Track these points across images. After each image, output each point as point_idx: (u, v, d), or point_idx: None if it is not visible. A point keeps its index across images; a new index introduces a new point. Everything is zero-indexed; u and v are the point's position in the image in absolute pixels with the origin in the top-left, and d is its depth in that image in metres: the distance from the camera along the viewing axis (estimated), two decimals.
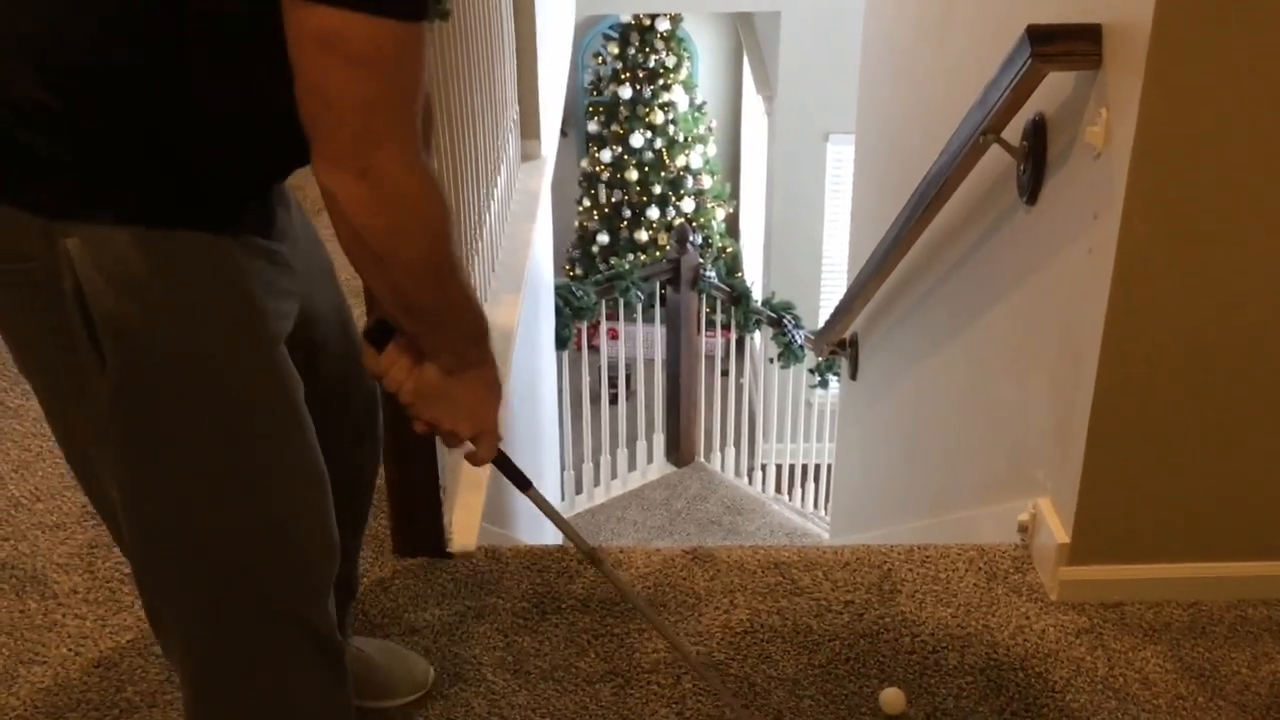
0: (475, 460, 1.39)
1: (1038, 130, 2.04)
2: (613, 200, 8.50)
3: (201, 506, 1.19)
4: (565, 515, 5.18)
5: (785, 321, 5.59)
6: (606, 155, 8.45)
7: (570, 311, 5.00)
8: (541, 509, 1.54)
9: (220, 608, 1.26)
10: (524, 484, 1.49)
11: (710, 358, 5.93)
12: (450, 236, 1.14)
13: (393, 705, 1.79)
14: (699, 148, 8.50)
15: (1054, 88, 1.95)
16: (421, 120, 1.10)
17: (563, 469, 5.19)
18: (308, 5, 0.99)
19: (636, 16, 8.23)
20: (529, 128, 3.69)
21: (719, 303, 5.71)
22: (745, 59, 8.62)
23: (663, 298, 5.58)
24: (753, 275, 8.43)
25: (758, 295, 6.19)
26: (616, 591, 1.72)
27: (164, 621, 1.30)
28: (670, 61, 8.36)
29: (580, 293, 5.08)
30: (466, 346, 1.26)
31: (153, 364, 1.13)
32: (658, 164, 8.39)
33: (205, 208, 1.12)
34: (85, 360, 1.12)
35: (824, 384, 5.62)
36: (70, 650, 1.89)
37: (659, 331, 5.65)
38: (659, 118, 8.33)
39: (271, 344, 1.20)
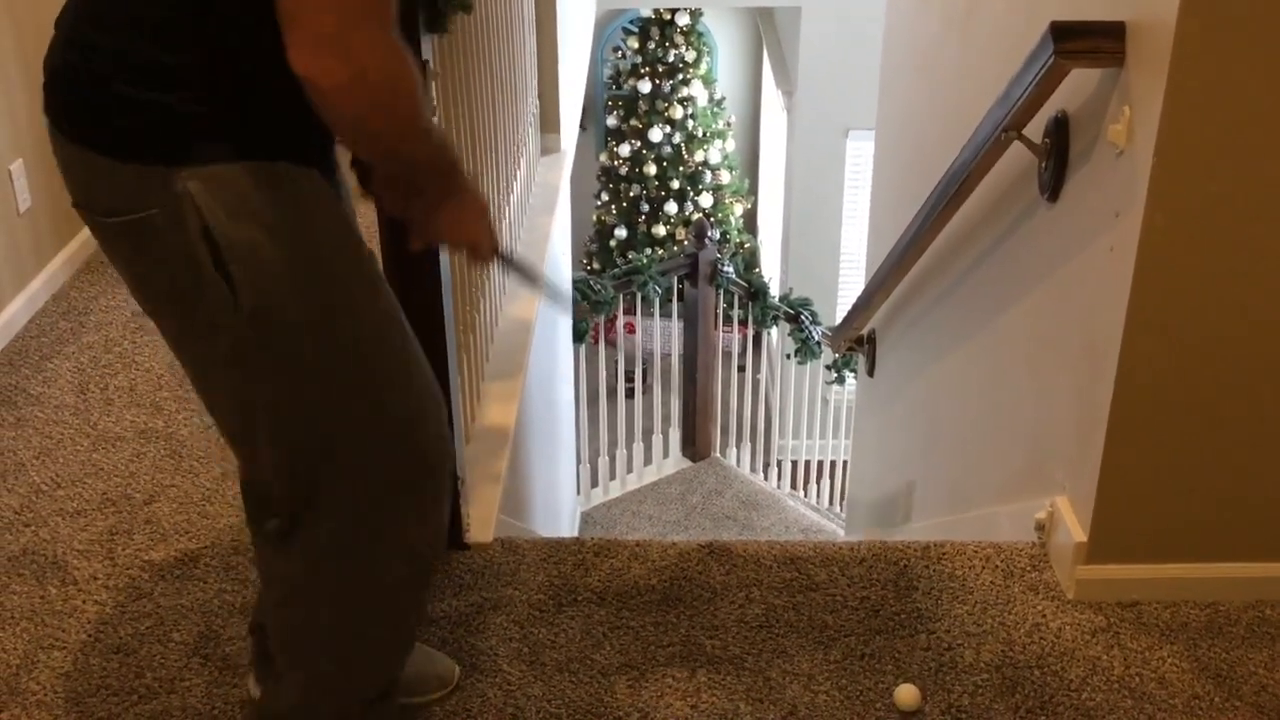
0: (474, 264, 1.60)
1: (1060, 128, 2.03)
2: (631, 195, 8.50)
3: (348, 393, 1.33)
4: (581, 508, 5.19)
5: (803, 317, 5.58)
6: (625, 150, 8.46)
7: (588, 305, 5.01)
8: (544, 294, 1.70)
9: (378, 481, 1.40)
10: (534, 278, 1.66)
11: (727, 353, 5.93)
12: (419, 98, 1.22)
13: (421, 702, 1.79)
14: (718, 143, 8.50)
15: (1077, 85, 1.94)
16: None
17: (579, 463, 5.20)
18: None
19: (656, 11, 8.23)
20: (549, 121, 3.70)
21: (736, 298, 5.70)
22: (765, 54, 8.61)
23: (680, 293, 5.58)
24: (770, 271, 8.42)
25: (775, 291, 6.19)
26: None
27: (320, 512, 1.40)
28: (690, 56, 8.35)
29: (598, 287, 5.09)
30: (447, 181, 1.37)
31: (279, 279, 1.24)
32: (676, 159, 8.39)
33: (296, 144, 1.25)
34: (214, 291, 1.23)
35: (841, 380, 5.61)
36: (90, 636, 1.91)
37: (676, 326, 5.65)
38: (678, 112, 8.33)
39: (371, 256, 1.36)
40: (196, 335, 1.32)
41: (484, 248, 1.47)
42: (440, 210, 1.39)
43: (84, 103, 1.22)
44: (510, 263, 1.58)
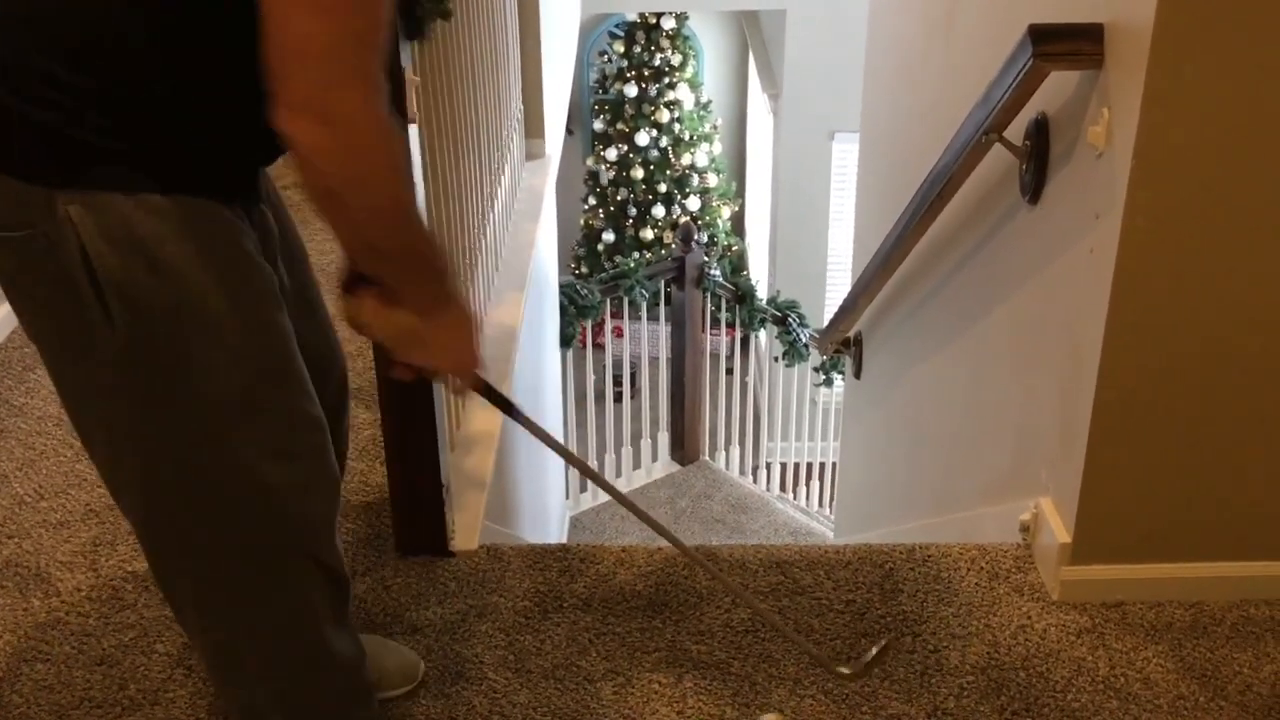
0: (457, 390, 1.44)
1: (1040, 129, 2.04)
2: (618, 198, 8.50)
3: (209, 453, 1.25)
4: (569, 513, 5.19)
5: (790, 320, 5.59)
6: (612, 154, 8.46)
7: (575, 310, 5.00)
8: (531, 431, 1.58)
9: (232, 551, 1.31)
10: (509, 408, 1.54)
11: (715, 356, 5.93)
12: (407, 178, 1.19)
13: (386, 698, 1.79)
14: (704, 146, 8.51)
15: (1056, 87, 1.95)
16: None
17: (567, 467, 5.20)
18: None
19: (642, 15, 8.24)
20: (533, 126, 3.70)
21: (724, 301, 5.71)
22: (751, 57, 8.62)
23: (668, 296, 5.58)
24: (758, 274, 8.43)
25: (762, 294, 6.19)
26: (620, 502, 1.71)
27: (173, 575, 1.35)
28: (676, 60, 8.36)
29: (585, 291, 5.09)
30: (432, 285, 1.30)
31: (158, 320, 1.18)
32: (663, 162, 8.40)
33: (199, 174, 1.18)
34: (93, 319, 1.17)
35: (829, 382, 5.61)
36: (73, 648, 1.90)
37: (664, 330, 5.65)
38: (664, 116, 8.34)
39: (268, 299, 1.26)
40: (71, 362, 1.24)
41: (468, 374, 1.39)
42: (425, 321, 1.31)
43: None
44: (494, 395, 1.48)
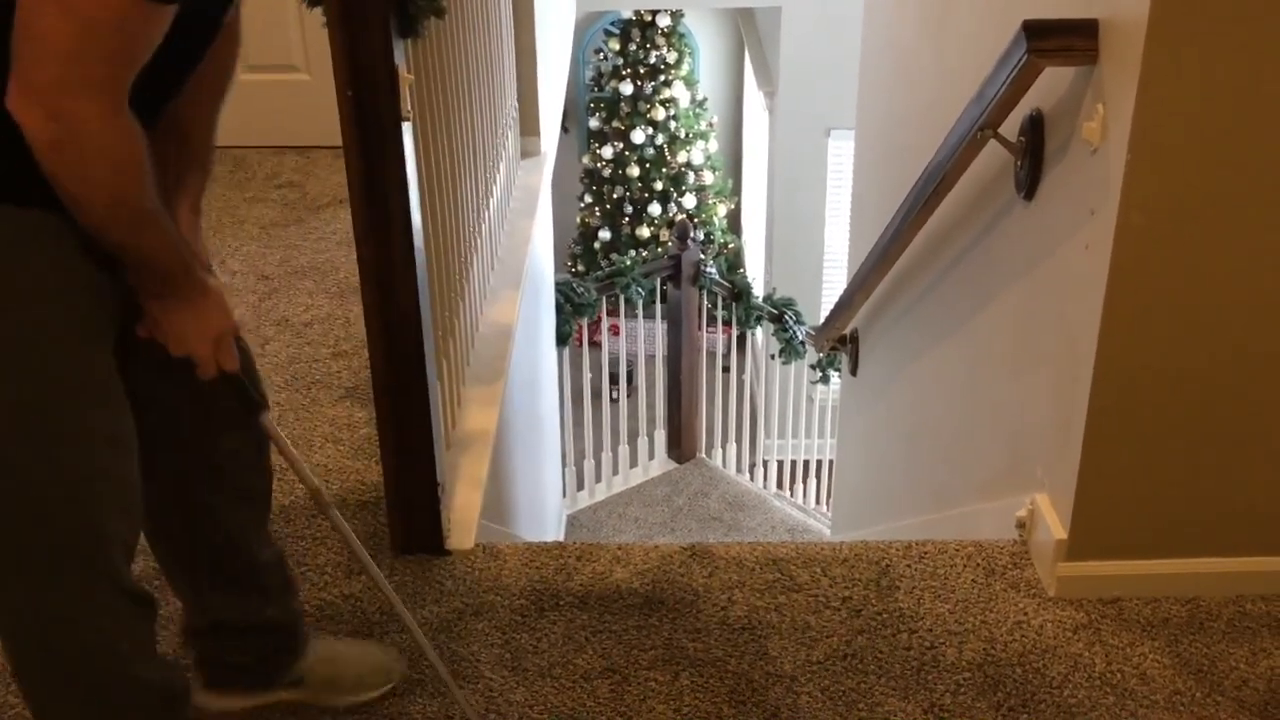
0: (201, 374, 1.43)
1: (1035, 125, 2.04)
2: (614, 196, 8.49)
3: (6, 450, 1.23)
4: (567, 512, 5.19)
5: (786, 317, 5.59)
6: (608, 151, 8.45)
7: (571, 308, 5.00)
8: (274, 440, 1.55)
9: (21, 560, 1.29)
10: (251, 406, 1.51)
11: (711, 354, 5.93)
12: (141, 188, 1.19)
13: (370, 699, 1.79)
14: (700, 144, 8.50)
15: (1051, 83, 1.94)
16: (195, 166, 1.25)
17: (564, 465, 5.20)
18: None
19: (638, 12, 8.23)
20: (528, 125, 3.69)
21: (720, 299, 5.70)
22: (746, 55, 8.61)
23: (664, 294, 5.58)
24: (754, 271, 8.43)
25: (759, 291, 6.19)
26: (348, 547, 1.69)
27: None
28: (671, 57, 8.36)
29: (581, 289, 5.08)
30: (162, 281, 1.32)
31: None
32: (659, 160, 8.39)
33: (8, 180, 1.18)
34: None
35: (825, 380, 5.61)
36: None
37: (660, 328, 5.65)
38: (660, 114, 8.33)
39: (71, 313, 1.25)
40: None
41: (204, 367, 1.40)
42: (157, 307, 1.33)
43: None
44: (239, 388, 1.47)
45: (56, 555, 1.30)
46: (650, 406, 5.66)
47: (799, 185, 7.17)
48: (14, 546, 1.29)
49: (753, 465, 6.09)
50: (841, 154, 6.95)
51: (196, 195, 1.46)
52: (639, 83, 8.34)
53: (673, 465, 5.76)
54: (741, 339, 6.89)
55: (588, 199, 8.64)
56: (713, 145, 8.68)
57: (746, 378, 6.25)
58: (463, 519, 2.17)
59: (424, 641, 1.73)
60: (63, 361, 1.26)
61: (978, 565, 2.10)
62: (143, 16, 1.12)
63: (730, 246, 8.67)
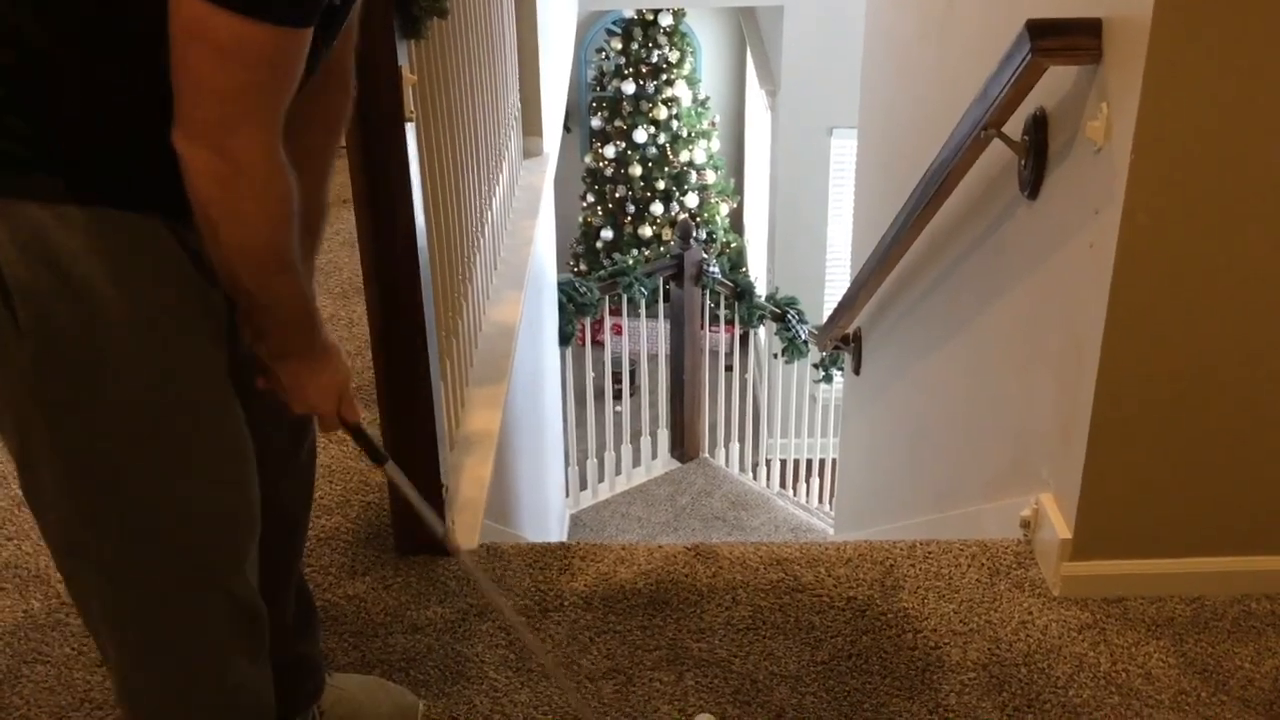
0: (322, 429, 1.43)
1: (1039, 125, 2.04)
2: (617, 196, 8.49)
3: (119, 475, 1.22)
4: (570, 511, 5.19)
5: (789, 317, 5.58)
6: (610, 151, 8.45)
7: (574, 307, 5.00)
8: (399, 486, 1.57)
9: (141, 576, 1.28)
10: (379, 459, 1.53)
11: (714, 353, 5.92)
12: (287, 234, 1.18)
13: None
14: (702, 143, 8.50)
15: (1055, 82, 1.94)
16: (302, 229, 1.19)
17: (567, 465, 5.19)
18: None
19: (639, 11, 8.23)
20: (531, 124, 3.69)
21: (723, 298, 5.70)
22: (748, 54, 8.61)
23: (666, 293, 5.58)
24: (757, 270, 8.42)
25: (761, 290, 6.19)
26: (483, 595, 1.73)
27: (86, 598, 1.32)
28: (673, 57, 8.36)
29: (584, 288, 5.08)
30: (288, 336, 1.30)
31: (68, 334, 1.16)
32: (661, 159, 8.39)
33: (120, 187, 1.16)
34: (4, 329, 1.15)
35: (828, 379, 5.61)
36: (73, 649, 1.90)
37: (663, 327, 5.65)
38: (662, 113, 8.33)
39: (192, 321, 1.23)
40: None
41: (326, 422, 1.39)
42: (278, 364, 1.32)
43: None
44: (365, 440, 1.48)
45: (188, 577, 1.30)
46: (653, 406, 5.66)
47: (801, 184, 7.17)
48: (148, 563, 1.28)
49: (756, 464, 6.08)
50: (844, 153, 6.94)
51: (312, 253, 1.44)
52: (641, 82, 8.34)
53: (676, 465, 5.76)
54: (744, 338, 6.89)
55: (590, 198, 8.64)
56: (715, 144, 8.68)
57: (749, 377, 6.24)
58: (467, 519, 2.17)
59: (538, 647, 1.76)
60: (203, 373, 1.25)
61: (982, 565, 2.10)
62: (292, 44, 1.10)
63: (733, 246, 8.67)
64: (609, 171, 8.50)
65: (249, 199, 1.13)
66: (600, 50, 8.70)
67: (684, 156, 8.41)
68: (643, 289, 5.33)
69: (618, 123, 8.42)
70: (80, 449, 1.21)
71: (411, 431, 2.00)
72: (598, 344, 7.07)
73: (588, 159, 8.68)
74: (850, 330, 3.99)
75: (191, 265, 1.22)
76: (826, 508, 5.86)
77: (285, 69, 1.12)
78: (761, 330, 6.15)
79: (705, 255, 5.57)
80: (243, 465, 1.31)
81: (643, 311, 5.47)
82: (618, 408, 5.62)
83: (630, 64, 8.36)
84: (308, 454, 1.55)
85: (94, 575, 1.29)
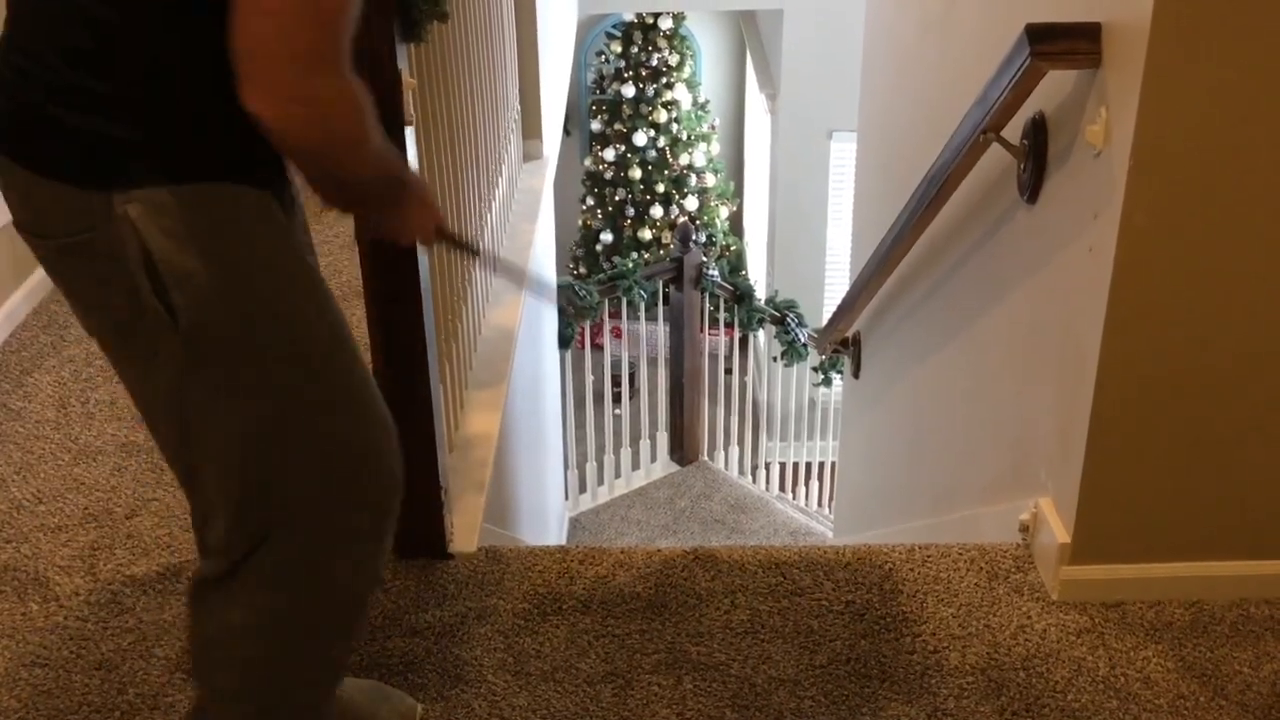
0: (424, 244, 1.59)
1: (1038, 129, 2.04)
2: (616, 199, 8.50)
3: (292, 423, 1.31)
4: (569, 514, 5.18)
5: (788, 320, 5.59)
6: (610, 154, 8.45)
7: (573, 310, 5.00)
8: (504, 271, 1.71)
9: (330, 511, 1.37)
10: (473, 252, 1.74)
11: (714, 356, 5.93)
12: (374, 130, 1.24)
13: None
14: (702, 146, 8.50)
15: (1054, 86, 1.94)
16: None
17: (566, 468, 5.20)
18: None
19: (639, 15, 8.24)
20: (531, 128, 3.70)
21: (722, 301, 5.70)
22: (748, 57, 8.62)
23: (666, 296, 5.58)
24: (756, 273, 8.43)
25: (761, 294, 6.19)
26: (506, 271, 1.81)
27: (271, 545, 1.36)
28: (673, 60, 8.36)
29: (583, 292, 5.08)
30: (391, 191, 1.39)
31: (216, 304, 1.22)
32: (661, 162, 8.39)
33: (237, 166, 1.23)
34: (154, 315, 1.22)
35: (827, 382, 5.61)
36: (72, 652, 1.90)
37: (662, 330, 5.65)
38: (662, 116, 8.33)
39: (316, 278, 1.33)
40: (138, 359, 1.30)
41: (425, 238, 1.52)
42: (396, 212, 1.43)
43: (20, 124, 1.20)
44: (458, 243, 1.64)
45: (362, 497, 1.39)
46: (652, 409, 5.66)
47: (801, 187, 7.17)
48: (330, 497, 1.37)
49: (755, 468, 6.08)
50: (843, 156, 6.95)
51: None
52: (641, 85, 8.35)
53: (675, 468, 5.76)
54: (744, 341, 6.89)
55: (590, 201, 8.65)
56: (715, 148, 8.68)
57: (749, 380, 6.25)
58: (466, 523, 2.17)
59: None
60: (339, 320, 1.35)
61: (981, 569, 2.10)
62: None
63: (732, 249, 8.67)
64: (609, 174, 8.50)
65: (340, 124, 1.18)
66: (600, 53, 8.70)
67: (684, 160, 8.42)
68: (642, 292, 5.33)
69: (617, 126, 8.43)
70: (245, 412, 1.29)
71: (410, 434, 1.99)
72: (597, 347, 7.06)
73: (587, 162, 8.68)
74: (850, 333, 3.99)
75: (293, 229, 1.32)
76: (826, 511, 5.86)
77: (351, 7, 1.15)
78: (761, 333, 6.15)
79: (705, 258, 5.57)
80: (376, 394, 1.40)
81: (642, 314, 5.47)
82: (617, 411, 5.62)
83: (630, 67, 8.37)
84: None
85: (283, 526, 1.36)
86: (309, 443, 1.33)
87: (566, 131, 6.90)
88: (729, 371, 6.07)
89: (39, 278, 3.10)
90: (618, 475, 5.57)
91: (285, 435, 1.31)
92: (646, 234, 8.43)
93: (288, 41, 1.10)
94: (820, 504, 6.04)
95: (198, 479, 1.37)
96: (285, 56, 1.10)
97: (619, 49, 8.42)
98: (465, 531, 2.15)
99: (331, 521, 1.38)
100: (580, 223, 8.71)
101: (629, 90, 8.34)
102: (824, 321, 4.58)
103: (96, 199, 1.18)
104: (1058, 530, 1.99)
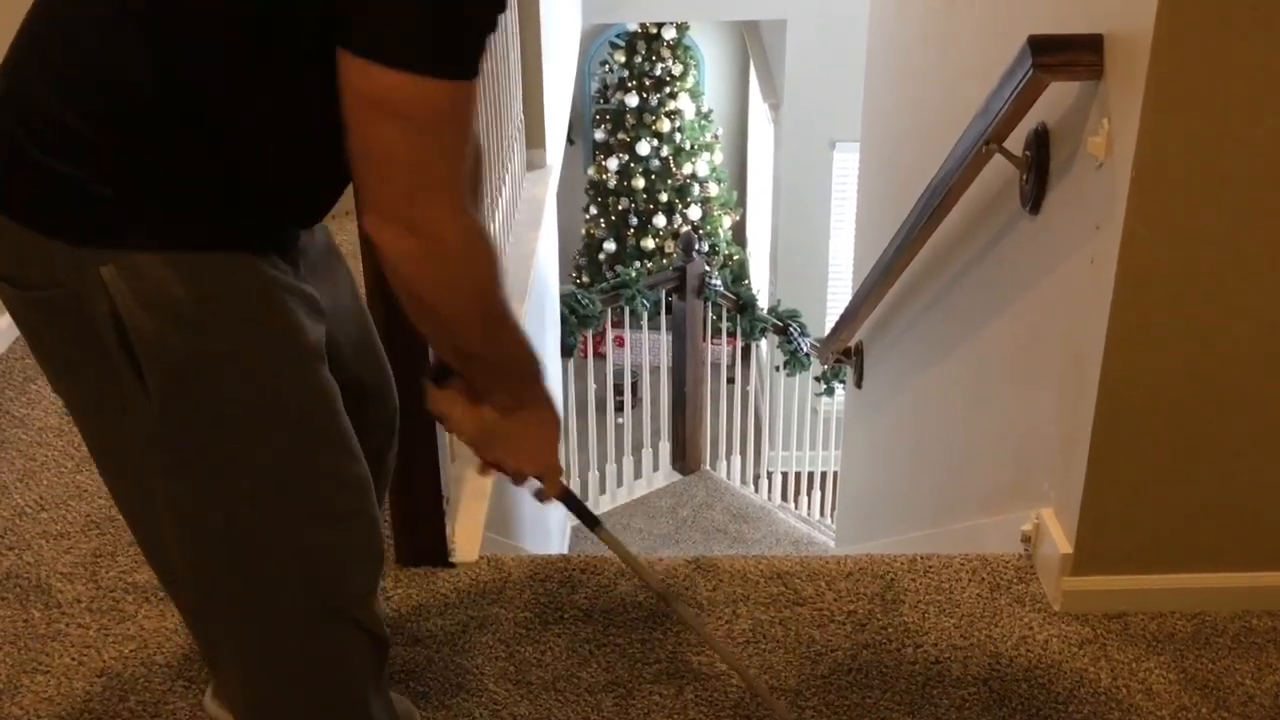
0: (542, 497, 1.41)
1: (1040, 140, 2.04)
2: (619, 208, 8.50)
3: (252, 517, 1.21)
4: (571, 523, 5.18)
5: (791, 329, 5.59)
6: (613, 163, 8.46)
7: (576, 320, 5.00)
8: (612, 548, 1.55)
9: (275, 615, 1.28)
10: (593, 522, 1.50)
11: (716, 365, 5.92)
12: (498, 283, 1.15)
13: None
14: (705, 155, 8.51)
15: (1056, 97, 1.95)
16: (470, 174, 1.13)
17: (568, 477, 5.19)
18: (363, 62, 1.00)
19: (643, 25, 8.25)
20: (534, 137, 3.70)
21: (725, 310, 5.71)
22: (751, 67, 8.63)
23: (669, 306, 5.58)
24: (759, 283, 8.43)
25: (764, 303, 6.19)
26: (696, 634, 1.74)
27: (214, 636, 1.33)
28: (677, 70, 8.37)
29: (586, 301, 5.09)
30: (521, 387, 1.29)
31: (197, 384, 1.14)
32: (664, 172, 8.40)
33: (235, 231, 1.14)
34: (126, 383, 1.14)
35: (830, 392, 5.61)
36: (74, 659, 1.90)
37: (665, 339, 5.65)
38: (666, 126, 8.34)
39: (310, 356, 1.22)
40: (103, 424, 1.22)
41: (554, 479, 1.37)
42: (511, 421, 1.30)
43: (5, 165, 1.11)
44: (576, 504, 1.46)
45: (321, 615, 1.29)
46: (655, 418, 5.66)
47: (804, 197, 7.17)
48: (280, 606, 1.28)
49: (757, 477, 6.08)
50: (846, 166, 6.95)
51: (477, 191, 1.42)
52: (644, 95, 8.35)
53: (677, 477, 5.75)
54: (746, 351, 6.89)
55: (593, 210, 8.65)
56: (718, 157, 8.69)
57: (751, 389, 6.25)
58: (468, 531, 2.17)
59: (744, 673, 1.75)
60: (324, 408, 1.23)
61: (982, 580, 2.10)
62: (468, 97, 1.06)
63: (735, 258, 8.67)
64: (612, 184, 8.51)
65: (455, 267, 1.10)
66: (604, 63, 8.71)
67: (687, 169, 8.42)
68: (645, 301, 5.33)
69: (621, 135, 8.44)
70: (206, 500, 1.20)
71: (413, 443, 2.00)
72: (599, 356, 7.06)
73: (591, 171, 8.69)
74: (852, 343, 3.99)
75: (290, 301, 1.19)
76: (828, 521, 5.86)
77: (464, 125, 1.07)
78: (763, 343, 6.15)
79: (707, 268, 5.58)
80: (364, 496, 1.29)
81: (645, 324, 5.47)
82: (619, 420, 5.62)
83: (634, 77, 8.38)
84: (392, 441, 1.59)
85: (225, 620, 1.29)
86: (265, 542, 1.23)
87: (570, 140, 6.91)
88: (731, 381, 6.06)
89: None
90: (620, 484, 5.57)
91: (235, 526, 1.21)
92: (649, 243, 8.43)
93: (401, 152, 1.03)
94: (822, 514, 6.03)
95: (151, 550, 1.31)
96: (401, 169, 1.03)
97: (623, 59, 8.43)
98: (467, 540, 2.15)
99: (269, 624, 1.29)
100: (583, 232, 8.72)
101: (632, 100, 8.35)
102: (826, 331, 4.58)
103: (65, 254, 1.10)
104: (1060, 541, 1.99)
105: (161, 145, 1.08)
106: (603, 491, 5.52)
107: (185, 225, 1.12)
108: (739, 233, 9.21)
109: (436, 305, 1.13)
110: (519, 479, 1.39)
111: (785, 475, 6.12)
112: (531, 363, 1.28)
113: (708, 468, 5.86)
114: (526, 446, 1.33)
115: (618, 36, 8.60)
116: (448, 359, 1.23)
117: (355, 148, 1.04)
